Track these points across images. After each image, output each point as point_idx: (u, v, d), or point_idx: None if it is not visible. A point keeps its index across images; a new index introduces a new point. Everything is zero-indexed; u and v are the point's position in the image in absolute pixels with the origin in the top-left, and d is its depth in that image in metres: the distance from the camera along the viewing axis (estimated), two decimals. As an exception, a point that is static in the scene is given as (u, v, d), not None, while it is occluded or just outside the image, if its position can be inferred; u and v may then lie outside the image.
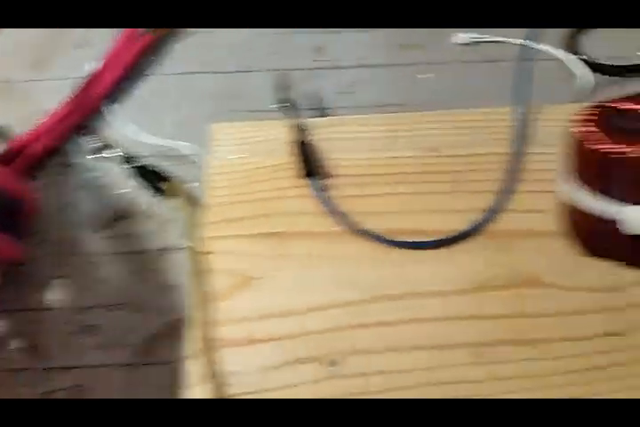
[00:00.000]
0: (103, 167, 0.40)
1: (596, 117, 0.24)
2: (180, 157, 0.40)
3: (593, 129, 0.23)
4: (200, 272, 0.34)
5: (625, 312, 0.30)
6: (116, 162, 0.39)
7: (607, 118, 0.23)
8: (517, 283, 0.32)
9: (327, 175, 0.36)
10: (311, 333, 0.31)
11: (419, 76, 0.43)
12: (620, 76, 0.44)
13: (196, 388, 0.31)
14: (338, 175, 0.36)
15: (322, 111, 0.41)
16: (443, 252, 0.33)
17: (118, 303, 0.35)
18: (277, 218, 0.35)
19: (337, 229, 0.34)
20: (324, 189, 0.36)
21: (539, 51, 0.45)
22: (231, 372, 0.31)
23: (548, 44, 0.45)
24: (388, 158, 0.37)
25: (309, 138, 0.37)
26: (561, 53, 0.45)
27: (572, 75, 0.44)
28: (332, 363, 0.30)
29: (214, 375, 0.31)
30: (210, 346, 0.32)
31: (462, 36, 0.44)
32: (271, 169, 0.36)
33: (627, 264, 0.25)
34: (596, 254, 0.25)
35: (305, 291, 0.33)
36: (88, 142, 0.41)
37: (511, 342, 0.30)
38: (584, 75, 0.43)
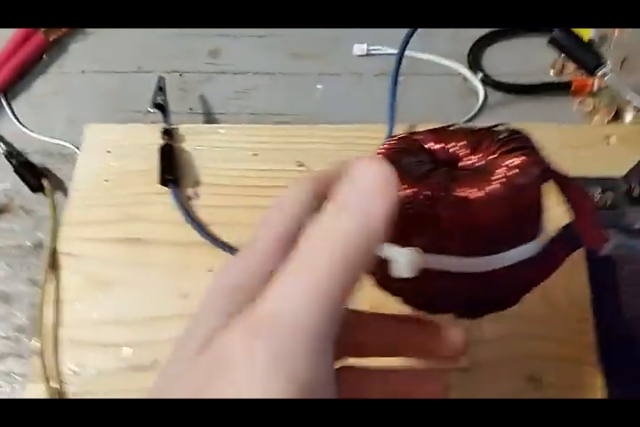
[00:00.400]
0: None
1: (392, 151, 0.24)
2: (64, 156, 0.40)
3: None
4: (54, 272, 0.35)
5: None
6: (3, 158, 0.40)
7: (401, 154, 0.24)
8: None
9: (192, 184, 0.37)
10: (154, 342, 0.33)
11: (318, 86, 0.44)
12: (520, 94, 0.44)
13: (34, 385, 0.32)
14: (203, 184, 0.37)
15: (210, 117, 0.42)
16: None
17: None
18: (135, 224, 0.36)
19: (193, 239, 0.35)
20: (187, 197, 0.36)
21: (437, 65, 0.45)
22: (71, 372, 0.32)
23: (450, 59, 0.45)
24: (257, 171, 0.37)
25: (178, 144, 0.38)
26: (463, 69, 0.45)
27: (472, 92, 0.44)
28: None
29: (54, 374, 0.32)
30: (54, 345, 0.33)
31: (360, 46, 0.44)
32: (136, 174, 0.37)
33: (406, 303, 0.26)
34: (391, 293, 0.26)
35: (153, 300, 0.34)
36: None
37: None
38: (481, 92, 0.44)
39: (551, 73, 0.47)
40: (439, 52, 0.45)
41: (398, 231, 0.21)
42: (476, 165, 0.22)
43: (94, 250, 0.35)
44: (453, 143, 0.23)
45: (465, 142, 0.23)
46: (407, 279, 0.23)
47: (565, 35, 0.27)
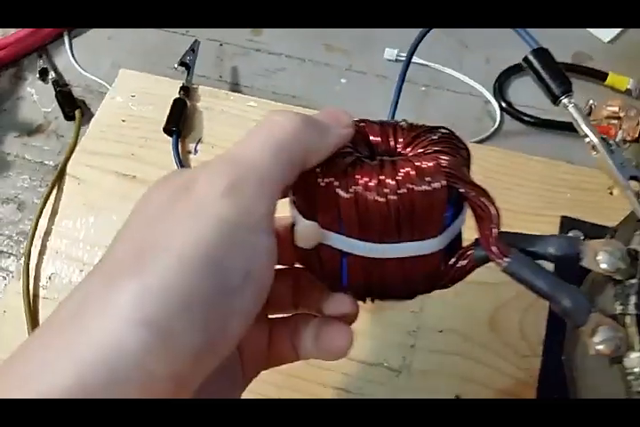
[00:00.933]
0: (40, 86, 0.47)
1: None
2: (101, 94, 0.45)
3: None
4: (58, 190, 0.40)
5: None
6: (51, 85, 0.46)
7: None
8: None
9: (194, 140, 0.41)
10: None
11: (341, 80, 0.46)
12: (537, 127, 0.45)
13: (15, 283, 0.37)
14: (204, 143, 0.41)
15: (235, 87, 0.46)
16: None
17: None
18: (134, 163, 0.40)
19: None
20: (187, 151, 0.40)
21: (463, 84, 0.47)
22: (47, 278, 0.37)
23: (477, 81, 0.46)
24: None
25: (193, 102, 0.42)
26: (486, 93, 0.46)
27: (490, 116, 0.45)
28: None
29: (33, 277, 0.37)
30: (40, 252, 0.38)
31: (391, 51, 0.46)
32: (149, 120, 0.41)
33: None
34: (299, 262, 0.27)
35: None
36: (38, 64, 0.47)
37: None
38: (498, 117, 0.45)
39: (576, 114, 0.47)
40: (470, 71, 0.47)
41: (309, 205, 0.23)
42: (395, 158, 0.24)
43: (96, 178, 0.40)
44: (392, 137, 0.25)
45: (402, 138, 0.25)
46: (308, 251, 0.25)
47: (540, 57, 0.28)
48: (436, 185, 0.22)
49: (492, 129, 0.45)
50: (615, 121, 0.44)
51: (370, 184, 0.22)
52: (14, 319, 0.36)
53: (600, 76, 0.47)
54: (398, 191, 0.21)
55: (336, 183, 0.22)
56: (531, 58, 0.28)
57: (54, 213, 0.40)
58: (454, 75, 0.47)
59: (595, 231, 0.40)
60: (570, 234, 0.42)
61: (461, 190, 0.22)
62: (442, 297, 0.37)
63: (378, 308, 0.35)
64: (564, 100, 0.27)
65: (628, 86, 0.46)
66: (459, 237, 0.25)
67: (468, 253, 0.24)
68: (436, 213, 0.22)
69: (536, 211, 0.39)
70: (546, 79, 0.27)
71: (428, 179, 0.22)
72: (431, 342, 0.35)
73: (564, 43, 0.49)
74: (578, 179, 0.40)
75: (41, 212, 0.39)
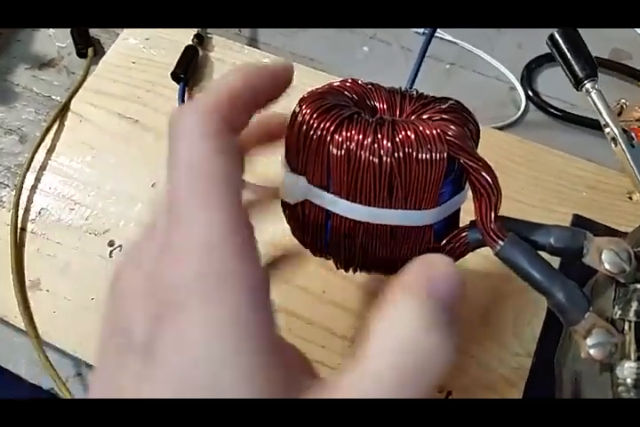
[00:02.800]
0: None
1: (336, 89, 0.24)
2: (117, 35, 0.44)
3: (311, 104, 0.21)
4: (60, 124, 0.39)
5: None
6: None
7: (338, 95, 0.24)
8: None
9: (200, 89, 0.40)
10: (113, 212, 0.36)
11: (364, 48, 0.45)
12: (561, 120, 0.43)
13: (5, 213, 0.37)
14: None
15: (252, 42, 0.44)
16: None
17: None
18: (138, 107, 0.39)
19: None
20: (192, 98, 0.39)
21: (492, 67, 0.45)
22: (36, 213, 0.37)
23: (507, 66, 0.44)
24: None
25: (206, 52, 0.40)
26: (514, 79, 0.44)
27: (515, 103, 0.44)
28: None
29: (23, 210, 0.37)
30: (32, 186, 0.38)
31: (422, 24, 0.44)
32: (158, 64, 0.40)
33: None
34: (286, 221, 0.26)
35: (126, 177, 0.38)
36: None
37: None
38: (522, 106, 0.43)
39: (605, 112, 0.45)
40: (499, 55, 0.45)
41: (298, 159, 0.22)
42: (396, 119, 0.22)
43: (98, 117, 0.39)
44: (398, 104, 0.24)
45: (410, 105, 0.23)
46: (293, 208, 0.24)
47: (568, 37, 0.26)
48: (437, 154, 0.20)
49: (515, 117, 0.43)
50: (646, 124, 0.42)
51: (364, 142, 0.21)
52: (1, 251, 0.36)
53: (636, 76, 0.45)
54: (395, 154, 0.20)
55: (328, 138, 0.21)
56: (557, 37, 0.26)
57: (52, 148, 0.39)
58: (482, 56, 0.45)
59: (606, 235, 0.38)
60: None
61: (463, 161, 0.21)
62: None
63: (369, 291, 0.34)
64: (588, 85, 0.26)
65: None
66: (456, 216, 0.24)
67: (463, 234, 0.23)
68: (432, 183, 0.21)
69: (548, 206, 0.37)
70: (570, 60, 0.25)
71: (428, 146, 0.20)
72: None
73: (603, 37, 0.46)
74: (596, 178, 0.38)
75: (38, 145, 0.39)
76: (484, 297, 0.34)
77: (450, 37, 0.45)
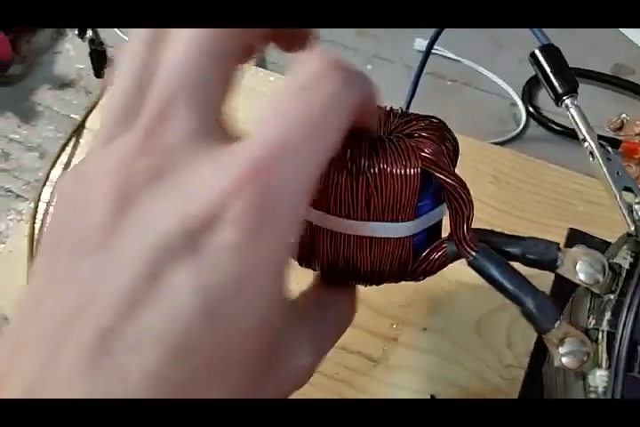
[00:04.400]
0: (79, 43, 0.49)
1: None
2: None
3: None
4: (76, 141, 0.42)
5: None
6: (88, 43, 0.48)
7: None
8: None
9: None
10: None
11: (367, 66, 0.46)
12: (562, 136, 0.44)
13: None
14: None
15: (259, 62, 0.46)
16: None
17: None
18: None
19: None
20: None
21: (493, 83, 0.46)
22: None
23: (508, 82, 0.45)
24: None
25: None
26: (515, 95, 0.45)
27: (515, 119, 0.44)
28: None
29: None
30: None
31: (422, 42, 0.46)
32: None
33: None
34: None
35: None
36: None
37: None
38: (523, 121, 0.44)
39: (606, 128, 0.46)
40: (500, 71, 0.46)
41: None
42: (377, 136, 0.23)
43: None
44: (382, 120, 0.25)
45: (392, 122, 0.24)
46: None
47: (548, 53, 0.27)
48: (411, 169, 0.21)
49: (515, 133, 0.44)
50: (646, 139, 0.42)
51: (342, 162, 0.22)
52: (17, 261, 0.38)
53: (638, 91, 0.45)
54: (370, 170, 0.21)
55: None
56: (538, 54, 0.27)
57: (68, 164, 0.41)
58: (484, 73, 0.46)
59: (602, 248, 0.38)
60: (575, 248, 0.40)
61: (437, 177, 0.22)
62: (431, 294, 0.37)
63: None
64: (567, 101, 0.27)
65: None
66: (437, 228, 0.25)
67: (443, 245, 0.24)
68: (407, 196, 0.22)
69: (545, 221, 0.38)
70: (550, 77, 0.26)
71: (403, 162, 0.21)
72: (414, 338, 0.34)
73: (605, 53, 0.47)
74: (593, 192, 0.39)
75: (55, 161, 0.41)
76: (478, 308, 0.35)
77: (451, 55, 0.46)
